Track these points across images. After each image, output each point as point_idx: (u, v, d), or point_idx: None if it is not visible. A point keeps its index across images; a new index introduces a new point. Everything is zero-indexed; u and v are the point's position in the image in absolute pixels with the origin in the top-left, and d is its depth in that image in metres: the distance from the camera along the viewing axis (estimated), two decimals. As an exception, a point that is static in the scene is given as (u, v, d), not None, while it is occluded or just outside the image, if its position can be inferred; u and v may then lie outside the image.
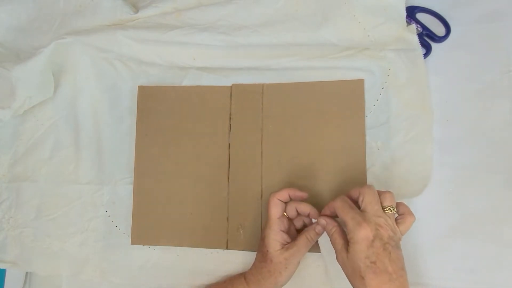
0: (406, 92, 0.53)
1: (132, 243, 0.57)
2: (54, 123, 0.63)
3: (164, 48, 0.59)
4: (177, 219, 0.56)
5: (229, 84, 0.58)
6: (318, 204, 0.52)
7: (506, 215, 0.48)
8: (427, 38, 0.54)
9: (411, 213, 0.43)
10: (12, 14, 0.65)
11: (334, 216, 0.46)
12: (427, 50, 0.54)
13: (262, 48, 0.57)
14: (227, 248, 0.54)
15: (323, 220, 0.46)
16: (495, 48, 0.52)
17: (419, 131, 0.52)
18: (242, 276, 0.50)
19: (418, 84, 0.53)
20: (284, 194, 0.48)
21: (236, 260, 0.54)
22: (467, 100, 0.52)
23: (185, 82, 0.59)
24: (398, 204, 0.43)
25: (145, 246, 0.57)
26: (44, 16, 0.64)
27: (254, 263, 0.50)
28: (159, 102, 0.59)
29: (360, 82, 0.54)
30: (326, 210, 0.46)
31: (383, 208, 0.42)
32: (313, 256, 0.52)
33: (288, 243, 0.47)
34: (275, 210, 0.47)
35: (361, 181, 0.51)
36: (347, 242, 0.42)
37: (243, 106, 0.56)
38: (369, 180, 0.52)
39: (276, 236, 0.47)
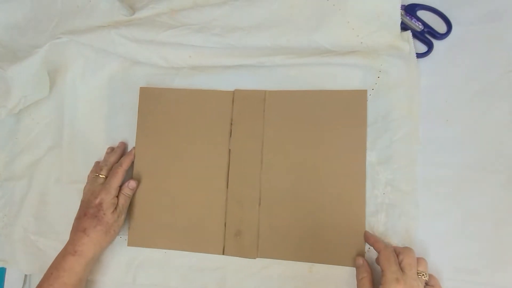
0: (395, 93, 0.53)
1: (129, 244, 0.57)
2: (49, 122, 0.63)
3: (159, 48, 0.58)
4: (175, 223, 0.55)
5: (221, 82, 0.58)
6: (318, 213, 0.52)
7: (506, 215, 0.48)
8: (428, 36, 0.54)
9: (440, 286, 0.46)
10: (10, 13, 0.64)
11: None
12: (429, 47, 0.53)
13: (256, 50, 0.56)
14: (223, 254, 0.54)
15: (360, 261, 0.49)
16: (495, 48, 0.52)
17: (405, 132, 0.52)
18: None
19: (408, 86, 0.52)
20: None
21: (227, 257, 0.54)
22: (467, 100, 0.52)
23: (177, 80, 0.59)
24: (430, 275, 0.46)
25: None
26: (42, 16, 0.64)
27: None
28: (160, 104, 0.58)
29: (363, 93, 0.53)
30: (369, 239, 0.50)
31: (417, 273, 0.44)
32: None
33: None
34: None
35: (360, 192, 0.51)
36: None
37: (244, 112, 0.56)
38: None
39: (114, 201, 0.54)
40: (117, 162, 0.57)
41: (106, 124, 0.61)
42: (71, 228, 0.55)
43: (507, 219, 0.48)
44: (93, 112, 0.62)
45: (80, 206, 0.55)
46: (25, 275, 0.62)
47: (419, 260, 0.46)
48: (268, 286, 0.53)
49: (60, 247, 0.59)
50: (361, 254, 0.50)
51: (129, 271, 0.57)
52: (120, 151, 0.58)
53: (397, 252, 0.46)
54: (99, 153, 0.60)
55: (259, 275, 0.53)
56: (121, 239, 0.57)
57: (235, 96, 0.57)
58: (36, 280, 0.61)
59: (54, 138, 0.62)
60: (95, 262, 0.55)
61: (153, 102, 0.58)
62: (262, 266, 0.53)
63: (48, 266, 0.59)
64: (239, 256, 0.54)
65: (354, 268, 0.50)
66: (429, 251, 0.50)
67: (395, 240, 0.50)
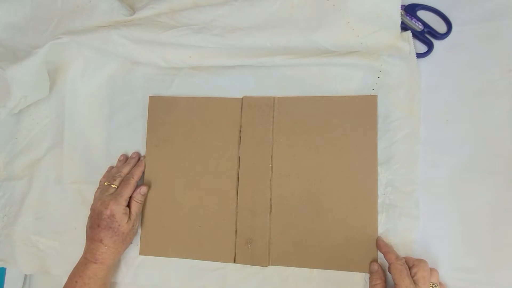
0: (396, 93, 0.53)
1: (141, 253, 0.57)
2: (49, 122, 0.63)
3: (159, 48, 0.58)
4: (186, 232, 0.55)
5: (221, 82, 0.58)
6: (330, 219, 0.52)
7: (505, 215, 0.49)
8: (428, 36, 0.54)
9: None
10: (10, 13, 0.64)
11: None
12: (429, 47, 0.53)
13: (256, 50, 0.56)
14: (234, 262, 0.54)
15: (375, 267, 0.49)
16: (495, 48, 0.52)
17: (406, 132, 0.52)
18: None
19: (408, 87, 0.52)
20: None
21: None
22: (467, 100, 0.52)
23: (177, 81, 0.59)
24: (441, 284, 0.47)
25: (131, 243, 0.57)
26: (42, 16, 0.64)
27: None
28: (169, 113, 0.58)
29: (373, 98, 0.53)
30: (381, 248, 0.49)
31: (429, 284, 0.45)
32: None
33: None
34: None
35: (372, 198, 0.51)
36: None
37: (253, 118, 0.56)
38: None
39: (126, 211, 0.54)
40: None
41: (106, 124, 0.62)
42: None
43: (506, 219, 0.48)
44: (93, 112, 0.62)
45: (91, 214, 0.54)
46: (25, 275, 0.62)
47: (432, 271, 0.46)
48: (268, 286, 0.53)
49: (60, 247, 0.59)
50: (375, 260, 0.50)
51: (129, 271, 0.57)
52: (135, 162, 0.58)
53: (410, 264, 0.46)
54: (99, 153, 0.61)
55: (259, 275, 0.53)
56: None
57: (243, 103, 0.56)
58: (36, 280, 0.61)
59: (54, 138, 0.62)
60: (116, 265, 0.56)
61: (162, 111, 0.58)
62: (262, 266, 0.53)
63: (48, 266, 0.59)
64: (251, 264, 0.53)
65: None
66: (429, 250, 0.50)
67: (396, 240, 0.50)
